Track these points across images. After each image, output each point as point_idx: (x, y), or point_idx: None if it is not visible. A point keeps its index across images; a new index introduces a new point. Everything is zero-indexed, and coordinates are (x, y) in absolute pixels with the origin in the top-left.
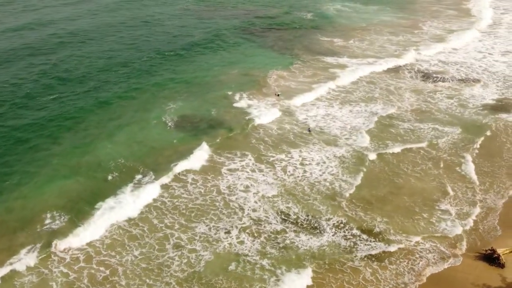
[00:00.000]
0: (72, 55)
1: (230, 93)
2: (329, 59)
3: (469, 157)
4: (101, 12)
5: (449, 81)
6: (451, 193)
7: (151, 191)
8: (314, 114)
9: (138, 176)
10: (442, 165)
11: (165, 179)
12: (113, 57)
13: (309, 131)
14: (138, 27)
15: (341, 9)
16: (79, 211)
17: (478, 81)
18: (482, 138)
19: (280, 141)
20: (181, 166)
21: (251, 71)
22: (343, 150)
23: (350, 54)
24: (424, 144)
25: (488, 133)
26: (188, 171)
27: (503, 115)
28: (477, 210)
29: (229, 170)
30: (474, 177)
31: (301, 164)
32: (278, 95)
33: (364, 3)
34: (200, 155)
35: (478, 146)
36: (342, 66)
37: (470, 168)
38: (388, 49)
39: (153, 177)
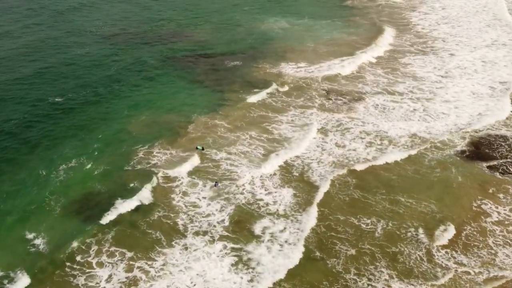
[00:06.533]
0: None
1: (139, 146)
2: (266, 97)
3: None
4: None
5: None
6: None
7: None
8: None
9: None
10: None
11: None
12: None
13: (216, 185)
14: (39, 59)
15: (288, 27)
16: None
17: None
18: None
19: (195, 226)
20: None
21: (169, 116)
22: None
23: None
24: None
25: None
26: None
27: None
28: None
29: None
30: None
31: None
32: (202, 149)
33: (312, 18)
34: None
35: None
36: (282, 110)
37: None
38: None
39: None
